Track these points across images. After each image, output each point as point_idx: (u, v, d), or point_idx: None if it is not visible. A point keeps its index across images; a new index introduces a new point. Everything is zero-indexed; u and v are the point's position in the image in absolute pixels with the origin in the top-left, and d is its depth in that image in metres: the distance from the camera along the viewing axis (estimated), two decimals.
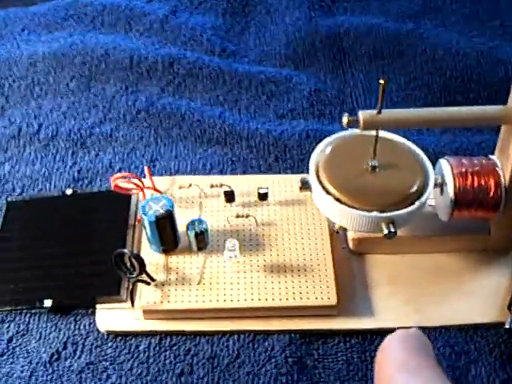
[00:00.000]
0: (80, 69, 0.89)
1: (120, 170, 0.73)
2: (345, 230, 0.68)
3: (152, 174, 0.72)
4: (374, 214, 0.60)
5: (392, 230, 0.60)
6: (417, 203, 0.61)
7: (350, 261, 0.68)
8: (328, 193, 0.62)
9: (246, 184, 0.72)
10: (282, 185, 0.73)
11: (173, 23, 0.97)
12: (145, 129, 0.82)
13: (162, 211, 0.63)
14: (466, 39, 0.95)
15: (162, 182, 0.72)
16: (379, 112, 0.59)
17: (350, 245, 0.68)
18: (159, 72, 0.89)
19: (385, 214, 0.60)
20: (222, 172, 0.77)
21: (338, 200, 0.61)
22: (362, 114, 0.59)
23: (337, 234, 0.69)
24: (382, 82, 0.57)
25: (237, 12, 1.02)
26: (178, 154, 0.79)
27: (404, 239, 0.67)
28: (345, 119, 0.59)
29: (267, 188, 0.70)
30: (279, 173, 0.76)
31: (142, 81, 0.88)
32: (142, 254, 0.64)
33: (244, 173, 0.77)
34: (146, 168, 0.72)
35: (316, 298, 0.63)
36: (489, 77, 0.89)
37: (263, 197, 0.70)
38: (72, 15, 0.99)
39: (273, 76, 0.89)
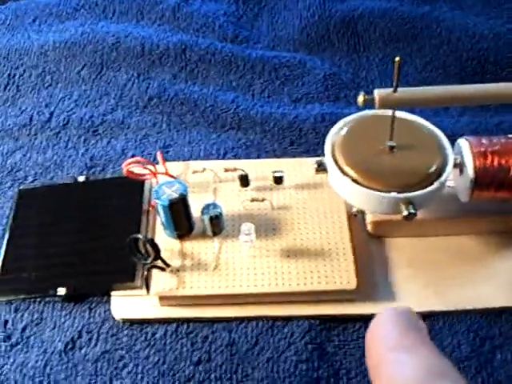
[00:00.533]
0: (91, 57, 0.88)
1: (133, 157, 0.72)
2: (363, 213, 0.66)
3: (165, 160, 0.71)
4: (393, 194, 0.59)
5: (412, 211, 0.58)
6: (436, 183, 0.60)
7: (368, 244, 0.67)
8: (345, 174, 0.61)
9: (260, 168, 0.71)
10: (298, 168, 0.71)
11: (185, 11, 0.96)
12: (157, 115, 0.81)
13: (175, 195, 0.62)
14: (483, 21, 0.93)
15: (175, 167, 0.71)
16: (395, 90, 0.57)
17: (369, 228, 0.67)
18: (171, 59, 0.88)
19: (403, 195, 0.59)
20: (236, 157, 0.76)
21: (355, 181, 0.60)
22: (378, 93, 0.57)
23: (354, 217, 0.67)
24: (397, 59, 0.56)
25: None
26: (192, 140, 0.78)
27: (424, 221, 0.66)
28: (360, 98, 0.57)
29: (282, 171, 0.68)
30: (294, 157, 0.75)
31: (153, 68, 0.87)
32: (157, 240, 0.63)
33: (258, 157, 0.75)
34: (158, 153, 0.71)
35: (335, 282, 0.62)
36: (506, 58, 0.87)
37: (278, 180, 0.68)
38: (83, 5, 0.98)
39: (287, 61, 0.88)
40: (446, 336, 0.61)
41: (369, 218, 0.66)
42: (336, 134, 0.63)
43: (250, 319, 0.62)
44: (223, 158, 0.75)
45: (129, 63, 0.87)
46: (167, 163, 0.71)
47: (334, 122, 0.65)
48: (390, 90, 0.58)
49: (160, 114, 0.81)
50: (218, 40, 0.92)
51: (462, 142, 0.63)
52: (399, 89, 0.57)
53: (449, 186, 0.65)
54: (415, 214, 0.59)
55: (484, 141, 0.63)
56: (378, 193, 0.59)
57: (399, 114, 0.63)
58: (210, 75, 0.87)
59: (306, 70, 0.87)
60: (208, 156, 0.76)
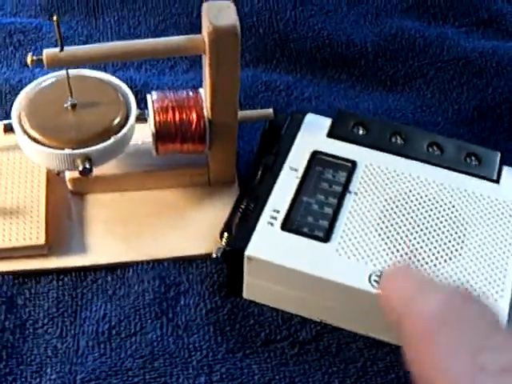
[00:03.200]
0: None
1: None
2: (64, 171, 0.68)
3: None
4: (67, 151, 0.60)
5: (87, 166, 0.60)
6: (112, 138, 0.61)
7: (69, 202, 0.68)
8: (26, 133, 0.62)
9: None
10: None
11: None
12: None
13: None
14: None
15: None
16: (61, 49, 0.58)
17: (69, 185, 0.68)
18: None
19: (77, 151, 0.60)
20: None
21: (34, 140, 0.61)
22: (46, 53, 0.58)
23: (58, 176, 0.68)
24: (55, 18, 0.57)
25: None
26: None
27: (121, 176, 0.68)
28: (28, 59, 0.58)
29: None
30: None
31: None
32: None
33: None
34: None
35: (24, 239, 0.63)
36: None
37: None
38: None
39: (23, 26, 0.87)
40: (134, 284, 0.63)
41: (68, 176, 0.68)
42: (24, 97, 0.64)
43: None
44: None
45: None
46: None
47: None
48: (58, 49, 0.58)
49: None
50: None
51: (148, 97, 0.65)
52: (66, 48, 0.58)
53: (148, 141, 0.66)
54: (91, 170, 0.61)
55: (168, 95, 0.65)
56: (53, 150, 0.60)
57: (88, 72, 0.65)
58: None
59: (40, 35, 0.86)
60: None
